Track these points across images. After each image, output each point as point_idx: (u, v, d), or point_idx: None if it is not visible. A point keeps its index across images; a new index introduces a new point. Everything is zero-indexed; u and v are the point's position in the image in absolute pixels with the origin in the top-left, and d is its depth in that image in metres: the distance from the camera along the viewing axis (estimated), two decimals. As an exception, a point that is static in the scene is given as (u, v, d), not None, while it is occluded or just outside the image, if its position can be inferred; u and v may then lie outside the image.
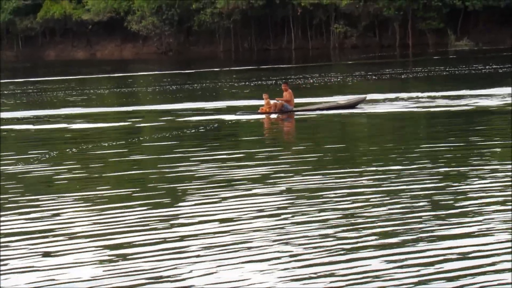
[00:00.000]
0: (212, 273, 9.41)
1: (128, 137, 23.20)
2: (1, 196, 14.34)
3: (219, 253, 10.19)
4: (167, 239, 10.98)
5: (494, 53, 68.48)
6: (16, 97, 42.71)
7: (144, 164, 18.24)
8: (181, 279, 9.30)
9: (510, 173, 14.67)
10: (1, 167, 17.72)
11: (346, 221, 11.65)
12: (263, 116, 27.86)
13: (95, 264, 9.98)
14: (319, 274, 9.24)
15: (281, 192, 13.89)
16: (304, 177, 15.19)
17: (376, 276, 9.07)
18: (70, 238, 11.29)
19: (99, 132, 25.48)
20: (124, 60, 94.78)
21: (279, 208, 12.63)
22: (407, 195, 13.24)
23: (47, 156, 19.37)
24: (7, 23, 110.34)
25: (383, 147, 19.52)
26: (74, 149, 20.62)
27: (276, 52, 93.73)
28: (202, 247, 10.49)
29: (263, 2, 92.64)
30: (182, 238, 11.00)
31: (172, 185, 14.97)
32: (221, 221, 11.93)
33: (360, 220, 11.64)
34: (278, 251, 10.20)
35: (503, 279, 8.85)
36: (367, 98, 29.93)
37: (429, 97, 31.84)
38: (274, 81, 44.65)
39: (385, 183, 14.25)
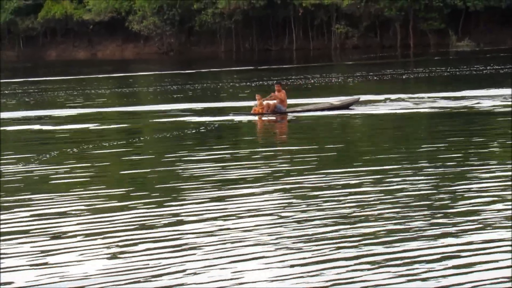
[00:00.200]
0: (211, 272, 9.42)
1: (129, 137, 23.20)
2: (1, 196, 14.35)
3: (218, 253, 10.21)
4: (166, 239, 11.00)
5: (495, 54, 68.46)
6: (17, 97, 42.72)
7: (144, 164, 18.24)
8: (181, 277, 9.33)
9: (510, 174, 14.67)
10: (1, 167, 17.73)
11: (345, 221, 11.65)
12: (256, 117, 27.74)
13: (94, 263, 10.01)
14: (317, 273, 9.24)
15: (277, 193, 13.89)
16: (300, 177, 15.19)
17: (374, 275, 9.07)
18: (70, 237, 11.30)
19: (100, 132, 25.48)
20: (125, 60, 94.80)
21: (276, 208, 12.64)
22: (406, 195, 13.24)
23: (47, 156, 19.37)
24: (8, 23, 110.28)
25: (383, 148, 19.52)
26: (74, 149, 20.63)
27: (277, 53, 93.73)
28: (201, 247, 10.51)
29: (264, 2, 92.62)
30: (181, 238, 11.02)
31: (172, 185, 14.97)
32: (220, 220, 11.95)
33: (359, 220, 11.64)
34: (276, 251, 10.21)
35: (502, 279, 8.85)
36: (360, 99, 29.85)
37: (430, 97, 31.83)
38: (275, 81, 44.61)
39: (384, 183, 14.25)
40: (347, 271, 9.30)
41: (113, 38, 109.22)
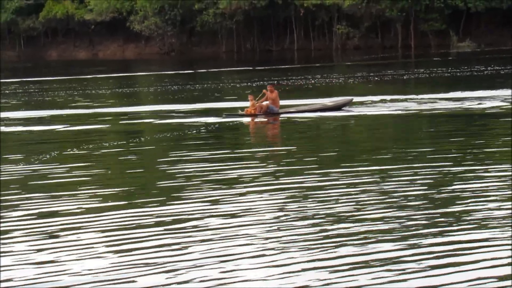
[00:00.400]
0: (211, 272, 9.43)
1: (129, 138, 23.20)
2: (2, 195, 14.36)
3: (217, 253, 10.23)
4: (165, 238, 11.02)
5: (496, 55, 68.46)
6: (18, 97, 42.74)
7: (144, 164, 18.25)
8: (180, 275, 9.35)
9: (510, 174, 14.68)
10: (1, 167, 17.74)
11: (343, 221, 11.65)
12: (249, 118, 27.70)
13: (94, 262, 10.02)
14: (317, 273, 9.25)
15: (274, 192, 13.90)
16: (298, 177, 15.20)
17: (374, 275, 9.08)
18: (70, 237, 11.32)
19: (100, 132, 25.49)
20: (126, 60, 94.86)
21: (274, 208, 12.66)
22: (406, 195, 13.24)
23: (47, 156, 19.38)
24: (9, 23, 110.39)
25: (383, 148, 19.51)
26: (75, 149, 20.64)
27: (279, 53, 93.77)
28: (200, 247, 10.53)
29: (265, 2, 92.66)
30: (181, 238, 11.03)
31: (172, 185, 14.98)
32: (218, 219, 11.97)
33: (356, 220, 11.65)
34: (273, 250, 10.23)
35: (502, 278, 8.86)
36: (353, 100, 29.81)
37: (430, 98, 31.83)
38: (275, 81, 44.68)
39: (384, 183, 14.25)
40: (347, 271, 9.30)
41: (114, 38, 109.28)
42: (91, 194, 14.35)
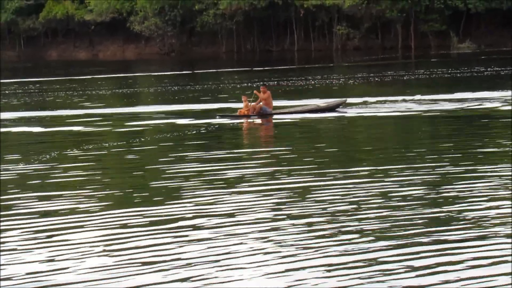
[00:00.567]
0: (210, 270, 9.44)
1: (129, 138, 23.20)
2: (1, 195, 14.36)
3: (216, 252, 10.24)
4: (164, 237, 11.03)
5: (496, 55, 68.45)
6: (18, 97, 42.73)
7: (144, 164, 18.25)
8: (178, 273, 9.36)
9: (510, 174, 14.67)
10: (2, 167, 17.74)
11: (341, 220, 11.65)
12: (242, 119, 27.65)
13: (94, 261, 10.04)
14: (313, 272, 9.25)
15: (270, 193, 13.91)
16: (296, 177, 15.20)
17: (371, 274, 9.08)
18: (70, 236, 11.33)
19: (100, 132, 25.49)
20: (126, 60, 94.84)
21: (272, 208, 12.66)
22: (405, 195, 13.24)
23: (47, 156, 19.38)
24: (9, 23, 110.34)
25: (383, 149, 19.51)
26: (75, 149, 20.64)
27: (279, 54, 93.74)
28: (198, 245, 10.53)
29: (265, 3, 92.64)
30: (180, 237, 11.04)
31: (170, 185, 14.98)
32: (216, 219, 11.98)
33: (355, 219, 11.65)
34: (271, 249, 10.23)
35: (502, 277, 8.86)
36: (347, 101, 29.76)
37: (430, 99, 31.82)
38: (276, 81, 44.70)
39: (384, 183, 14.25)
40: (345, 270, 9.30)
41: (114, 39, 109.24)
42: (90, 194, 14.36)
